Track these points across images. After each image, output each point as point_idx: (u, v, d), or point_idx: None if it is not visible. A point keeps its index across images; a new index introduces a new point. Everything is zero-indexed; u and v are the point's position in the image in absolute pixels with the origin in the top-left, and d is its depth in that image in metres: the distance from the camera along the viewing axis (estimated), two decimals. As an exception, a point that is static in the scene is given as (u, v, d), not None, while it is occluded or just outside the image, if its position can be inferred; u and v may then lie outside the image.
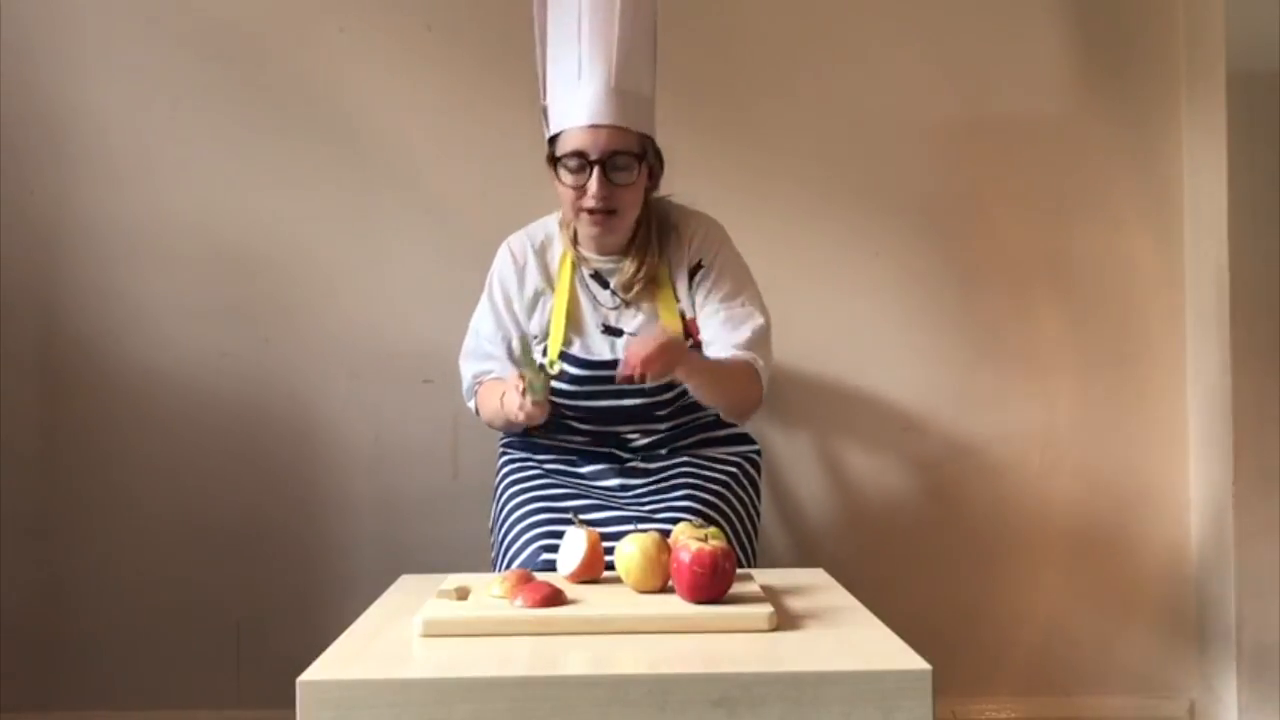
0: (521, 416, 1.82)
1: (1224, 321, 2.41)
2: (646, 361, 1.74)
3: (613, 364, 1.95)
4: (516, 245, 2.07)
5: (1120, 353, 2.56)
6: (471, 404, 2.11)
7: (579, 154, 1.88)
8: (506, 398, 1.86)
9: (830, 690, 1.21)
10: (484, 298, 2.08)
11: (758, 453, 2.13)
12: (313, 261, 2.53)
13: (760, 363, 1.94)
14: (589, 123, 1.87)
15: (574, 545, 1.60)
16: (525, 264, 2.04)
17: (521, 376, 1.79)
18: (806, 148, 2.55)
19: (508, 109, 2.49)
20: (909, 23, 2.56)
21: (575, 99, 1.88)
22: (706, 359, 1.92)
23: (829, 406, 2.56)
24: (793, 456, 2.55)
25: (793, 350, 2.50)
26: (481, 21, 2.51)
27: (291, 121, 2.53)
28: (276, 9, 2.53)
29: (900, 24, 2.56)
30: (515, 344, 1.79)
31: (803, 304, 2.53)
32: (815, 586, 1.68)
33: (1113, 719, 2.54)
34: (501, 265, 2.06)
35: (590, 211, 1.91)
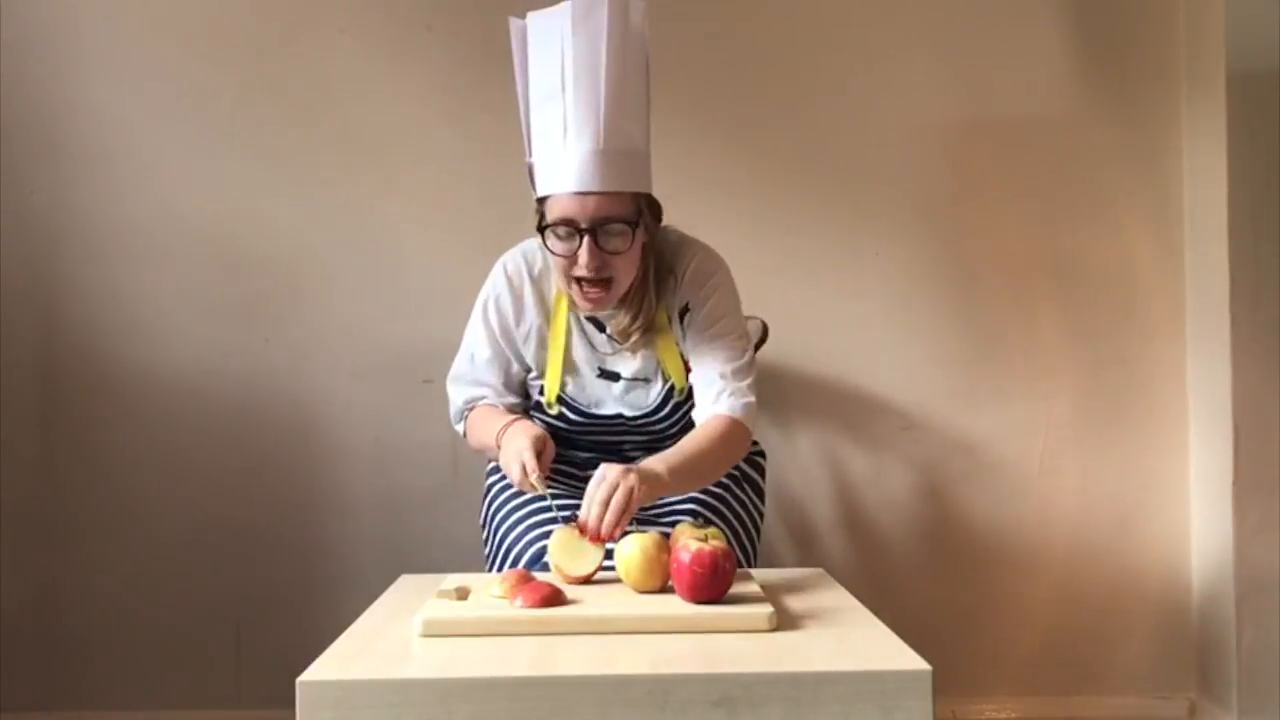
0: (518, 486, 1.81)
1: (1224, 321, 2.41)
2: (609, 523, 1.59)
3: (614, 418, 1.96)
4: (513, 270, 1.95)
5: (1120, 353, 2.57)
6: (460, 428, 2.04)
7: (567, 222, 1.75)
8: (511, 467, 1.80)
9: (830, 690, 1.21)
10: (479, 322, 1.98)
11: (761, 454, 2.13)
12: (313, 262, 2.53)
13: (740, 410, 1.84)
14: (576, 189, 1.73)
15: (577, 547, 1.60)
16: (522, 294, 1.94)
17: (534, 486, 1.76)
18: (807, 148, 2.55)
19: (508, 109, 2.47)
20: (910, 24, 2.56)
21: (561, 162, 1.75)
22: (681, 462, 1.74)
23: (829, 406, 2.56)
24: (793, 456, 2.55)
25: (793, 350, 2.50)
26: (481, 21, 2.51)
27: (291, 122, 2.53)
28: (276, 9, 2.53)
29: (901, 25, 2.56)
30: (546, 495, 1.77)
31: (803, 304, 2.53)
32: (815, 586, 1.68)
33: (1113, 719, 2.54)
34: (498, 291, 1.95)
35: (581, 281, 1.80)
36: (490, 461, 2.08)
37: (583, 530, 1.60)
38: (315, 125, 2.53)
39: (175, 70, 2.52)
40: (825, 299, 2.56)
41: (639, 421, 1.96)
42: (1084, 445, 2.57)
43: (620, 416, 1.96)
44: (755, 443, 2.12)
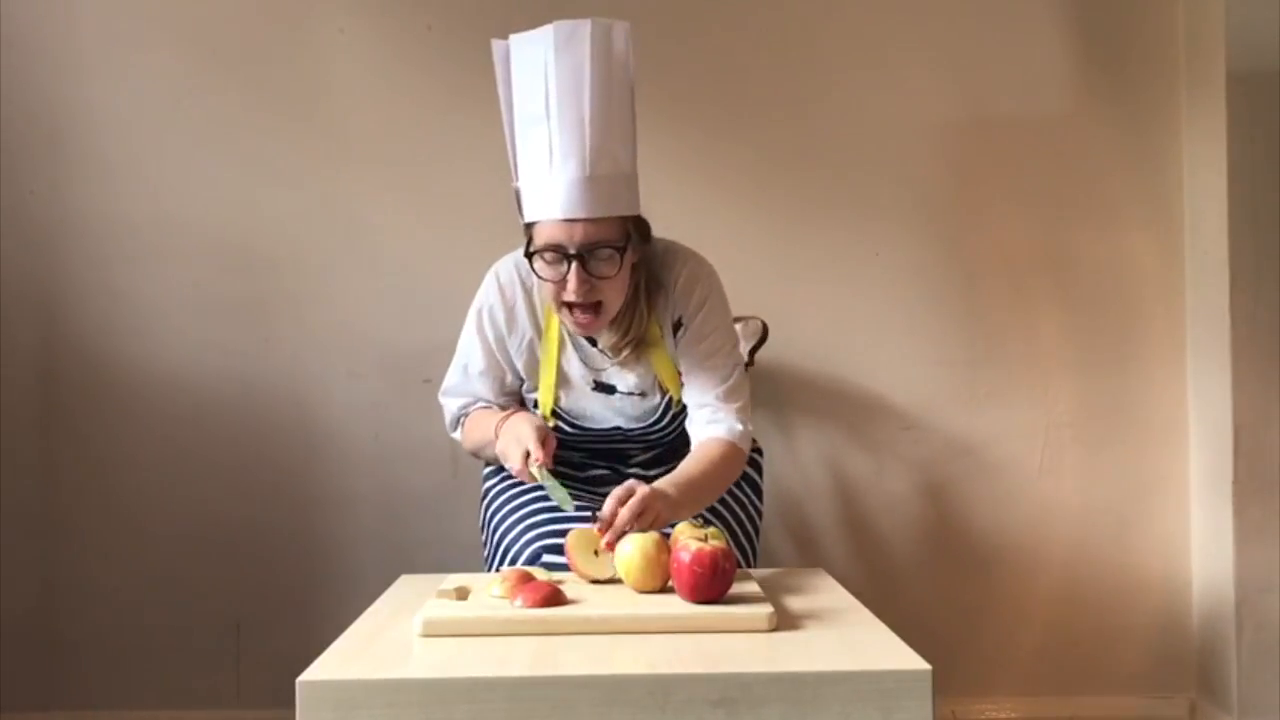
0: (518, 474, 1.80)
1: (1224, 321, 2.41)
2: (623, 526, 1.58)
3: (612, 431, 1.94)
4: (505, 280, 1.92)
5: (1120, 353, 2.56)
6: (457, 434, 2.03)
7: (555, 248, 1.73)
8: (511, 452, 1.79)
9: (830, 690, 1.21)
10: (472, 332, 1.95)
11: (759, 452, 2.13)
12: (312, 261, 2.53)
13: (735, 435, 1.85)
14: (563, 216, 1.71)
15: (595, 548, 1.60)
16: (515, 305, 1.91)
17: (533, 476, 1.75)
18: (807, 148, 2.55)
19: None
20: (910, 24, 2.56)
21: (548, 188, 1.72)
22: (687, 484, 1.74)
23: (829, 406, 2.56)
24: (793, 456, 2.55)
25: (793, 350, 2.50)
26: (481, 21, 2.50)
27: (291, 121, 2.53)
28: (276, 9, 2.53)
29: (901, 25, 2.56)
30: (544, 480, 1.74)
31: (803, 303, 2.53)
32: (815, 586, 1.68)
33: (1113, 719, 2.54)
34: (491, 301, 1.93)
35: (571, 306, 1.77)
36: (486, 466, 2.08)
37: (602, 529, 1.59)
38: (315, 125, 2.53)
39: (175, 70, 2.52)
40: (825, 299, 2.55)
41: (637, 432, 1.96)
42: (1084, 445, 2.57)
43: (619, 429, 1.95)
44: (753, 440, 2.12)
